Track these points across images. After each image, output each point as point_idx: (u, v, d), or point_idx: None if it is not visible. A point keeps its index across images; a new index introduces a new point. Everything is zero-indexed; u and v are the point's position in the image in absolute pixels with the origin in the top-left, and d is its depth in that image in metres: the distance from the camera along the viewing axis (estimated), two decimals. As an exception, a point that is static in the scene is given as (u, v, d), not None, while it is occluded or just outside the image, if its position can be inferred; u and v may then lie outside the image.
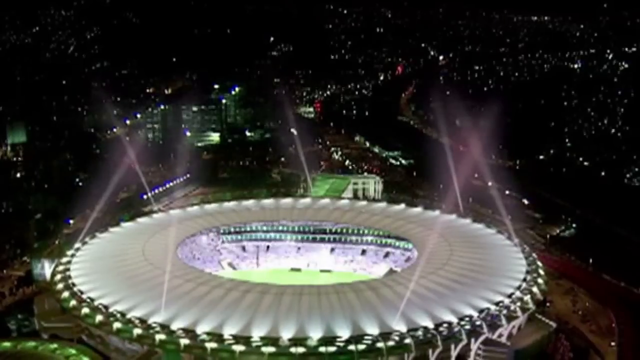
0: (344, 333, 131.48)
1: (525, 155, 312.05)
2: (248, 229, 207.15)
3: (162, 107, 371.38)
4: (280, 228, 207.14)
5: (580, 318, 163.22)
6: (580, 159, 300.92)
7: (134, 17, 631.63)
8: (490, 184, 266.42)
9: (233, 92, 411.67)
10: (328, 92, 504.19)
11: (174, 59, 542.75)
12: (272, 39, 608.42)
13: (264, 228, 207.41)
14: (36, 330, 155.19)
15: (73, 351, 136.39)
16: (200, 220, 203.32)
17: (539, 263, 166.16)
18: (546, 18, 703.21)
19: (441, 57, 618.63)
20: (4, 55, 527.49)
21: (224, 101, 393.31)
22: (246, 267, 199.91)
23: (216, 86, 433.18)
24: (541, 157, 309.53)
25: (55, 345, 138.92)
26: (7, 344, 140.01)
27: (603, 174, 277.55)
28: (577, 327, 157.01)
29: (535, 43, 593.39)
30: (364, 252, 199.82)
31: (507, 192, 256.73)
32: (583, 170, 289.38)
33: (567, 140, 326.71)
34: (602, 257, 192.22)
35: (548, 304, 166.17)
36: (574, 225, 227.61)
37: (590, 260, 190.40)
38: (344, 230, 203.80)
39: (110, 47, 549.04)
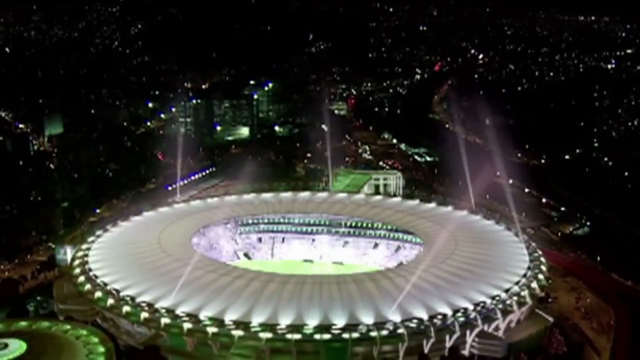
0: (339, 322, 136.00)
1: (552, 154, 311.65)
2: (265, 220, 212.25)
3: (194, 101, 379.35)
4: (296, 220, 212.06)
5: (582, 315, 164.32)
6: (605, 159, 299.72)
7: (178, 13, 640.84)
8: (510, 181, 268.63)
9: (266, 88, 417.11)
10: (363, 90, 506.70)
11: (214, 55, 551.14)
12: (311, 36, 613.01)
13: (280, 220, 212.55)
14: (54, 312, 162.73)
15: (84, 332, 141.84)
16: (218, 211, 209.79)
17: (543, 260, 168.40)
18: (592, 18, 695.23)
19: (481, 56, 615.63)
20: (50, 50, 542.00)
21: (255, 96, 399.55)
22: (261, 258, 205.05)
23: (252, 82, 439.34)
24: (567, 156, 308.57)
25: (67, 326, 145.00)
26: (23, 323, 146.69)
27: (626, 174, 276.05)
28: (577, 324, 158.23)
29: (578, 43, 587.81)
30: (376, 245, 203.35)
31: (526, 190, 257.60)
32: (607, 171, 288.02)
33: (594, 140, 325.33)
34: (613, 256, 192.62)
35: (550, 300, 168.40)
36: (588, 224, 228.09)
37: (598, 259, 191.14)
38: (358, 224, 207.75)
39: (153, 42, 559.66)
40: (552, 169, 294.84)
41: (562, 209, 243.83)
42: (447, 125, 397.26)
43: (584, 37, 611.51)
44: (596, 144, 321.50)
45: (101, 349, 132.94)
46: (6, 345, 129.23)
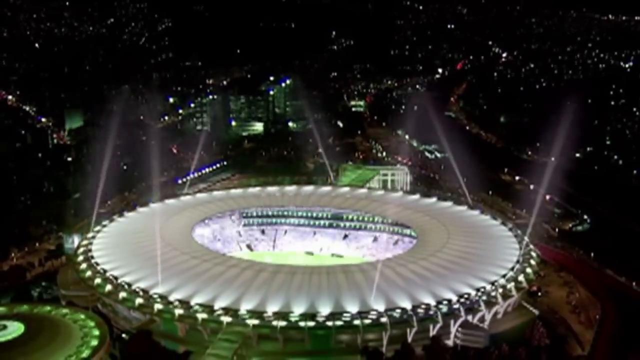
0: (325, 310, 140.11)
1: (562, 152, 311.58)
2: (268, 213, 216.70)
3: (210, 97, 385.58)
4: (298, 213, 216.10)
5: (571, 309, 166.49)
6: (616, 157, 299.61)
7: (205, 10, 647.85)
8: (517, 178, 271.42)
9: (283, 85, 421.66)
10: (382, 87, 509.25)
11: (238, 51, 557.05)
12: (334, 33, 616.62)
13: (283, 213, 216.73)
14: (57, 298, 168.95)
15: (82, 316, 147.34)
16: (222, 203, 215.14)
17: (533, 254, 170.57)
18: (623, 17, 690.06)
19: (504, 55, 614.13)
20: (78, 46, 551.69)
21: (271, 93, 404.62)
22: (263, 249, 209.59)
23: (272, 78, 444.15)
24: (577, 154, 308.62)
25: (66, 311, 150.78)
26: (25, 307, 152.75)
27: (635, 172, 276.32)
28: (564, 317, 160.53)
29: (604, 42, 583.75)
30: (375, 239, 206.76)
31: (531, 186, 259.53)
32: (616, 169, 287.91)
33: (607, 138, 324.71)
34: (611, 252, 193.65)
35: (540, 294, 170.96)
36: (588, 220, 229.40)
37: (592, 254, 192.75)
38: (358, 218, 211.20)
39: (179, 38, 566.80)
40: (562, 166, 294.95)
41: (563, 205, 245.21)
42: (460, 122, 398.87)
43: (611, 36, 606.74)
44: (608, 143, 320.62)
45: (96, 333, 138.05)
46: (5, 327, 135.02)
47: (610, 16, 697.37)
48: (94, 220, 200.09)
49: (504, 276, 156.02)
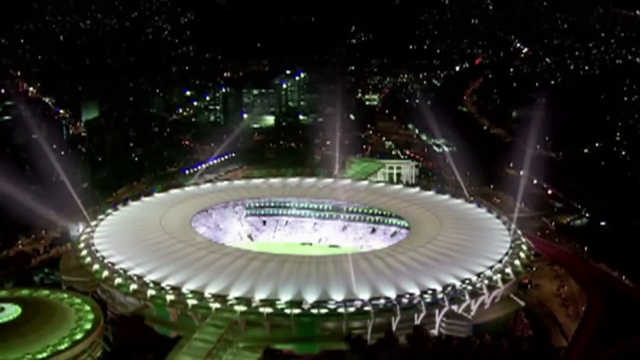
0: (311, 298, 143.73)
1: (570, 147, 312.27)
2: (269, 204, 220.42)
3: (223, 90, 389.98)
4: (300, 205, 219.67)
5: (560, 302, 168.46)
6: (624, 153, 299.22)
7: (227, 4, 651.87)
8: (522, 172, 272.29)
9: (297, 78, 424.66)
10: (398, 81, 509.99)
11: (259, 45, 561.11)
12: (353, 27, 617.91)
13: (285, 204, 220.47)
14: (59, 283, 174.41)
15: (78, 300, 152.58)
16: (224, 194, 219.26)
17: (524, 247, 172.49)
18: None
19: (525, 50, 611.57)
20: (102, 39, 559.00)
21: (284, 86, 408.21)
22: (263, 240, 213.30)
23: (288, 71, 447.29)
24: (585, 150, 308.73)
25: (65, 295, 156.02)
26: (25, 291, 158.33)
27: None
28: (550, 309, 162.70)
29: (628, 38, 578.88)
30: (373, 230, 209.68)
31: (534, 181, 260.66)
32: (623, 165, 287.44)
33: (617, 134, 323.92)
34: (606, 247, 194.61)
35: (530, 287, 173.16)
36: (587, 215, 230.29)
37: (586, 248, 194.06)
38: (357, 210, 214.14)
39: (200, 32, 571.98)
40: (568, 161, 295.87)
41: (564, 199, 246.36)
42: (472, 117, 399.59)
43: (635, 32, 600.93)
44: (618, 138, 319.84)
45: (91, 316, 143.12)
46: (3, 309, 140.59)
47: (638, 12, 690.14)
48: (98, 209, 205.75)
49: (490, 268, 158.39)
